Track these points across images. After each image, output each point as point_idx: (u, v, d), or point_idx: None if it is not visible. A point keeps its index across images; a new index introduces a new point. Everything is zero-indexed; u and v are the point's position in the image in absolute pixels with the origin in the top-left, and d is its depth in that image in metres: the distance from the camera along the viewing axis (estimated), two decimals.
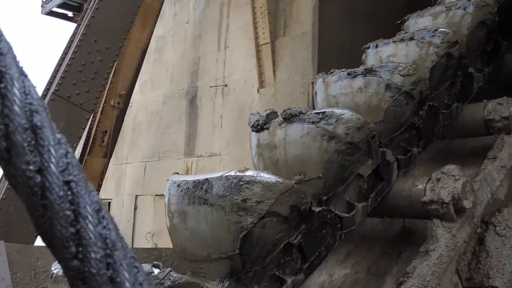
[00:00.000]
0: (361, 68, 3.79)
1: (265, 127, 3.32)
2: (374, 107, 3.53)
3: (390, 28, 6.39)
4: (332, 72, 3.90)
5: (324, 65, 5.40)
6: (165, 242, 8.26)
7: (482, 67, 4.63)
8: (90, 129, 8.34)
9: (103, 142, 8.50)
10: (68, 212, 0.63)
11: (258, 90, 7.03)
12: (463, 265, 3.29)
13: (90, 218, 0.63)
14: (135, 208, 9.92)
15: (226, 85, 7.79)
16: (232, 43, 7.90)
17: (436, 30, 4.09)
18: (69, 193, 0.63)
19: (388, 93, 3.53)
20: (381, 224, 4.01)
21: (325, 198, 3.08)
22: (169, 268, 2.28)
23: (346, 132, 3.10)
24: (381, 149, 3.44)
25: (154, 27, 7.61)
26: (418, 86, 3.66)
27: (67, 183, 0.63)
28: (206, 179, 2.71)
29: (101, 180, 8.48)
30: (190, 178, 2.86)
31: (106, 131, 8.49)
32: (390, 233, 3.94)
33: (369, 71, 3.66)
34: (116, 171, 10.61)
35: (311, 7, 5.96)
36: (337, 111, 3.16)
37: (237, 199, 2.58)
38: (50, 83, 6.31)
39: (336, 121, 3.10)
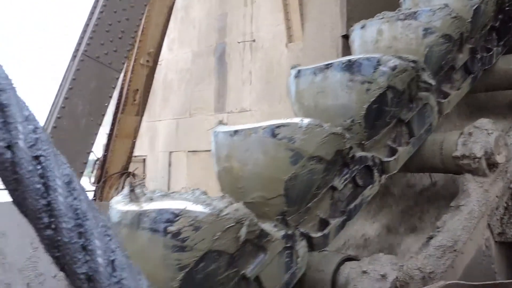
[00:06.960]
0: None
1: None
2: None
3: None
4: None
5: (353, 18, 5.25)
6: None
7: None
8: (122, 88, 8.40)
9: (135, 100, 8.55)
10: (38, 185, 0.65)
11: (286, 45, 6.92)
12: (495, 220, 3.24)
13: (60, 190, 0.66)
14: (169, 165, 10.08)
15: (254, 41, 7.69)
16: None
17: None
18: (38, 167, 0.66)
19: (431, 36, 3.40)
20: (405, 179, 3.95)
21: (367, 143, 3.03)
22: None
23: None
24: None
25: None
26: (459, 28, 3.52)
27: (36, 158, 0.66)
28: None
29: (135, 137, 8.60)
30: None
31: (137, 90, 8.52)
32: (415, 189, 3.89)
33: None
34: (149, 129, 10.75)
35: None
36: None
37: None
38: (79, 44, 6.33)
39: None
